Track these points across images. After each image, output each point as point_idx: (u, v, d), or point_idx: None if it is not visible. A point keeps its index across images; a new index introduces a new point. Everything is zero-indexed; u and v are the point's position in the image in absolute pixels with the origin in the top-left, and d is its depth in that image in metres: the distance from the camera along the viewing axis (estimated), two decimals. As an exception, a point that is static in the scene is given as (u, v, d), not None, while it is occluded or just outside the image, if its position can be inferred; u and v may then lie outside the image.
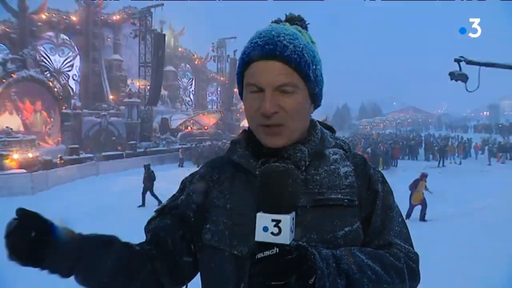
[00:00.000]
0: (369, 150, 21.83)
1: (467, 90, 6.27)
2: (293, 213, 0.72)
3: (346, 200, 0.90)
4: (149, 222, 1.02)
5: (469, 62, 5.80)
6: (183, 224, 0.97)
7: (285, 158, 0.89)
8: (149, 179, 12.27)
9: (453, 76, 5.92)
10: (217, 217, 0.92)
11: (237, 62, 0.93)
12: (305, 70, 0.87)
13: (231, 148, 1.00)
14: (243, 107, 0.98)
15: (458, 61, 5.81)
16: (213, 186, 0.96)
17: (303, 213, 0.85)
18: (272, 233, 0.69)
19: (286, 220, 0.69)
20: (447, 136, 37.54)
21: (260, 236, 0.69)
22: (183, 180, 1.05)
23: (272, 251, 0.68)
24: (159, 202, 11.35)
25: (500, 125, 45.16)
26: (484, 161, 23.05)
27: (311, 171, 0.92)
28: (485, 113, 73.70)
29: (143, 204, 11.93)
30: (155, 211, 1.03)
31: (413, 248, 0.94)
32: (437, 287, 5.08)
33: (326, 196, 0.89)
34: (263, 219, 0.70)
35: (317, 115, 1.07)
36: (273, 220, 0.69)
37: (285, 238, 0.69)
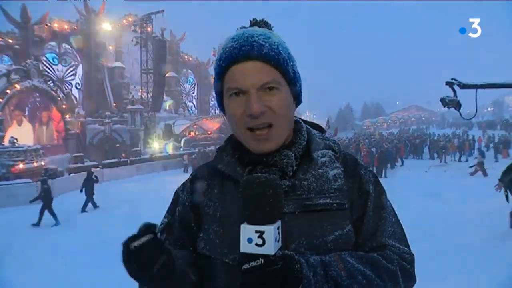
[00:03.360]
0: (373, 149, 21.72)
1: (462, 117, 5.74)
2: (278, 223, 0.72)
3: (335, 205, 0.88)
4: None
5: (463, 86, 5.17)
6: (189, 235, 0.95)
7: (271, 165, 0.88)
8: (46, 195, 11.16)
9: (444, 103, 5.29)
10: (208, 225, 0.91)
11: (214, 70, 0.91)
12: (284, 66, 0.87)
13: (217, 155, 0.99)
14: None
15: (450, 84, 5.21)
16: (204, 194, 0.95)
17: (292, 219, 0.84)
18: (256, 244, 0.69)
19: (270, 231, 0.69)
20: (464, 132, 37.32)
21: (244, 247, 0.70)
22: (176, 190, 1.04)
23: (257, 262, 0.69)
24: (56, 220, 10.91)
25: (504, 121, 44.82)
26: (490, 158, 22.84)
27: (299, 176, 0.90)
28: (489, 109, 73.15)
29: (38, 223, 10.77)
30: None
31: (408, 248, 0.93)
32: (439, 285, 5.04)
33: (314, 201, 0.87)
34: (247, 231, 0.70)
35: (320, 116, 1.07)
36: (256, 231, 0.69)
37: (269, 249, 0.69)
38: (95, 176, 13.59)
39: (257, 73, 0.84)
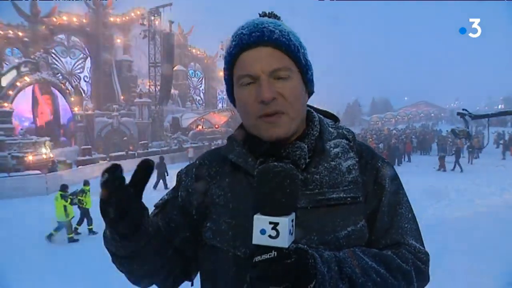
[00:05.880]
0: (381, 145, 21.60)
1: (474, 147, 5.89)
2: (293, 215, 0.69)
3: (349, 198, 0.85)
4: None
5: (475, 117, 5.16)
6: (187, 221, 0.94)
7: (284, 157, 0.85)
8: None
9: (454, 134, 5.35)
10: (218, 216, 0.88)
11: (224, 60, 0.90)
12: (295, 53, 0.85)
13: (228, 145, 0.95)
14: None
15: (461, 115, 5.19)
16: (211, 182, 0.92)
17: (304, 214, 0.81)
18: (270, 236, 0.66)
19: (284, 222, 0.66)
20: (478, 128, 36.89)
21: (257, 239, 0.67)
22: (179, 172, 1.01)
23: (270, 255, 0.66)
24: None
25: (515, 118, 44.17)
26: (498, 156, 22.59)
27: (311, 170, 0.87)
28: (499, 106, 72.19)
29: None
30: (155, 206, 0.99)
31: (423, 247, 0.90)
32: (452, 285, 5.02)
33: (327, 196, 0.84)
34: (260, 222, 0.67)
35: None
36: (270, 223, 0.66)
37: (283, 241, 0.66)
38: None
39: (268, 58, 0.82)
